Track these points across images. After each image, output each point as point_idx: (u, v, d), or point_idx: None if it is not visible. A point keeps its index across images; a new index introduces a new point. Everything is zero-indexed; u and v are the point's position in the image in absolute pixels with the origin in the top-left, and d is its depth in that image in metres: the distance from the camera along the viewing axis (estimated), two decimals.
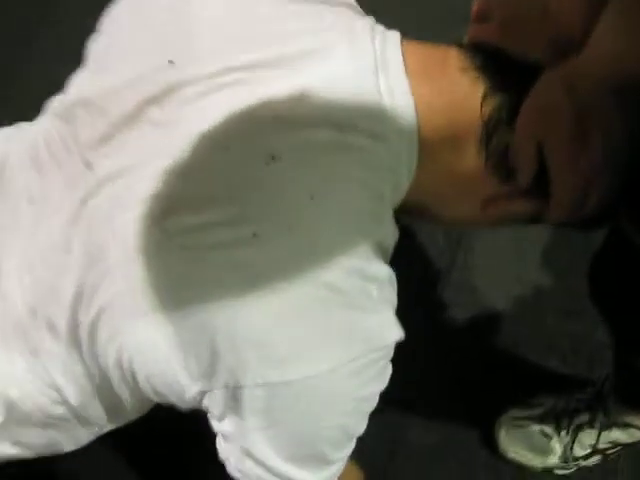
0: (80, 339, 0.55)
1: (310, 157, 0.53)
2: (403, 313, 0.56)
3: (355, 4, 0.66)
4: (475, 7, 0.62)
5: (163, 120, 0.55)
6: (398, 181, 0.58)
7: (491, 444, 1.13)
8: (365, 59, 0.56)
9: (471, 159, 0.59)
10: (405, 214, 0.62)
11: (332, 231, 0.52)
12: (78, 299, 0.54)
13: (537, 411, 1.12)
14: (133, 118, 0.55)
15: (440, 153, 0.59)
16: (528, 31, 0.59)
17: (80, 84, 0.62)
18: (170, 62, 0.56)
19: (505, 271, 1.29)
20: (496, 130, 0.58)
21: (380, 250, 0.55)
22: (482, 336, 1.24)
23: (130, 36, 0.60)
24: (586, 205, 0.56)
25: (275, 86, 0.54)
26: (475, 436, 1.16)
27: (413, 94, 0.56)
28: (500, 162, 0.58)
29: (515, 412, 1.13)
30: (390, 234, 0.58)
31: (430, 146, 0.57)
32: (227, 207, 0.51)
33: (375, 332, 0.53)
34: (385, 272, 0.55)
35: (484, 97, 0.57)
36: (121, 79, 0.57)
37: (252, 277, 0.50)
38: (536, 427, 1.10)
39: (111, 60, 0.61)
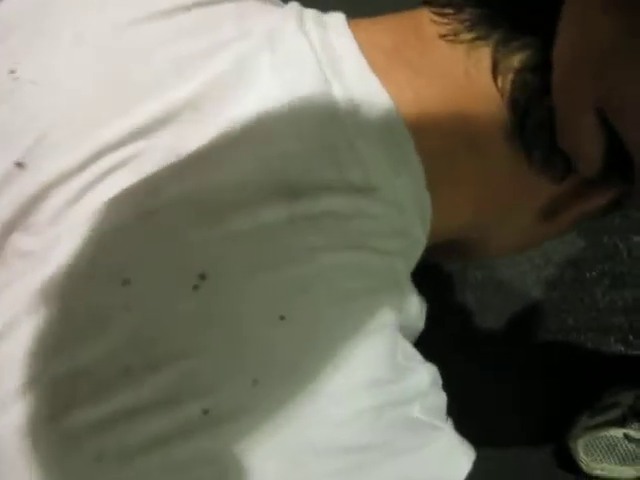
0: None
1: (259, 258, 0.35)
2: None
3: None
4: None
5: (36, 249, 0.36)
6: (409, 241, 0.40)
7: (568, 465, 0.95)
8: (304, 68, 0.38)
9: (504, 162, 0.41)
10: (433, 258, 0.46)
11: (327, 367, 0.34)
12: None
13: (614, 413, 0.94)
14: None
15: (456, 169, 0.41)
16: None
17: None
18: (18, 165, 0.38)
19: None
20: (529, 108, 0.39)
21: (405, 349, 0.38)
22: (519, 339, 1.06)
23: None
24: None
25: (173, 158, 0.36)
26: (547, 458, 0.97)
27: (394, 97, 0.38)
28: (548, 153, 0.40)
29: (587, 420, 0.95)
30: (413, 313, 0.41)
31: (438, 165, 0.40)
32: (147, 377, 0.33)
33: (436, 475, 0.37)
34: (422, 378, 0.38)
35: (494, 64, 0.39)
36: None
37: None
38: (618, 432, 0.93)
39: None
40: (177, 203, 0.35)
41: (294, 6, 0.43)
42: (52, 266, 0.34)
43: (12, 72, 0.40)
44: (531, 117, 0.39)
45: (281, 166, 0.36)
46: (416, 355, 0.39)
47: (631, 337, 1.02)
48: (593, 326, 1.04)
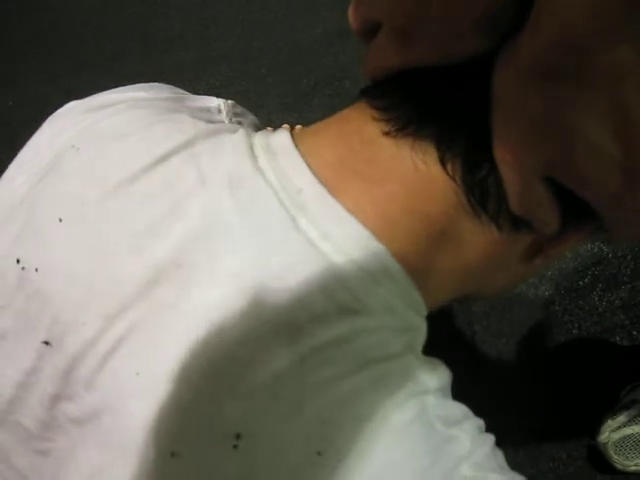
0: None
1: (283, 406, 0.36)
2: None
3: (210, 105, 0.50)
4: (355, 18, 0.42)
5: (81, 416, 0.40)
6: (411, 333, 0.41)
7: (603, 465, 0.98)
8: (269, 210, 0.40)
9: (475, 237, 0.41)
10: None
11: None
12: None
13: (635, 410, 0.97)
14: (51, 424, 0.41)
15: (434, 259, 0.42)
16: (443, 23, 0.37)
17: None
18: (46, 343, 0.41)
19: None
20: (484, 187, 0.39)
21: (444, 414, 0.39)
22: (532, 356, 1.09)
23: None
24: None
25: (186, 313, 0.38)
26: (583, 464, 1.00)
27: (353, 213, 0.39)
28: (514, 219, 0.40)
29: (611, 422, 0.98)
30: (437, 383, 0.41)
31: (416, 261, 0.41)
32: None
33: None
34: (463, 443, 0.38)
35: (441, 154, 0.39)
36: (10, 385, 0.43)
37: None
38: None
39: None
40: (191, 369, 0.36)
41: (243, 139, 0.43)
42: (105, 431, 0.37)
43: (18, 261, 0.43)
44: (489, 194, 0.39)
45: (275, 310, 0.37)
46: (456, 414, 0.40)
47: (635, 332, 1.06)
48: (597, 329, 1.07)
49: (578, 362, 1.06)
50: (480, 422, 0.40)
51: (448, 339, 1.07)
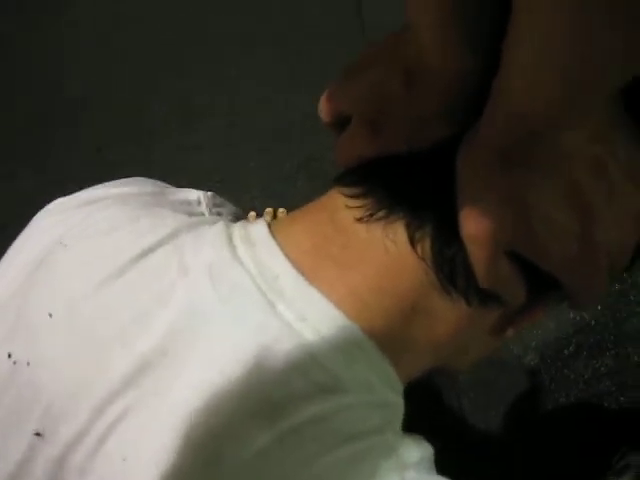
0: None
1: None
2: None
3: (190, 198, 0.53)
4: (326, 111, 0.46)
5: None
6: (388, 408, 0.43)
7: None
8: (248, 298, 0.42)
9: (446, 312, 0.43)
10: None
11: None
12: None
13: (627, 477, 0.96)
14: None
15: (407, 334, 0.44)
16: (407, 114, 0.42)
17: None
18: (37, 435, 0.42)
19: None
20: (452, 266, 0.41)
21: None
22: (521, 427, 1.09)
23: None
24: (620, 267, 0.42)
25: (173, 397, 0.40)
26: None
27: (331, 299, 0.41)
28: (482, 294, 0.42)
29: None
30: (418, 456, 0.42)
31: (388, 338, 0.42)
32: None
33: None
34: None
35: (410, 237, 0.41)
36: (2, 478, 0.43)
37: None
38: None
39: None
40: (176, 452, 0.38)
41: (222, 230, 0.46)
42: None
43: (10, 356, 0.44)
44: (457, 271, 0.41)
45: (254, 391, 0.38)
46: None
47: (622, 398, 1.07)
48: (585, 397, 1.08)
49: (568, 431, 1.07)
50: None
51: (436, 412, 1.07)
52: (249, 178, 1.44)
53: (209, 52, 1.66)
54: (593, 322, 1.12)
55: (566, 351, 1.10)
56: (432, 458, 0.43)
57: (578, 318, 1.12)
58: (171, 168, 1.46)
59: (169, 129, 1.57)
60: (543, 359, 1.11)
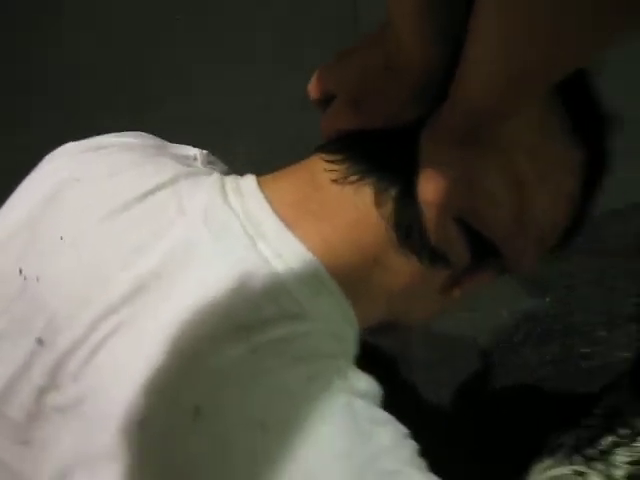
0: None
1: (237, 385, 0.44)
2: None
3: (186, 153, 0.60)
4: (315, 90, 0.54)
5: (67, 403, 0.46)
6: (344, 341, 0.50)
7: None
8: (235, 235, 0.48)
9: (402, 266, 0.51)
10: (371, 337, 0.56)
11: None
12: None
13: (561, 453, 1.03)
14: (37, 415, 0.47)
15: (366, 281, 0.52)
16: (389, 91, 0.49)
17: None
18: (39, 341, 0.48)
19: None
20: (408, 226, 0.49)
21: (370, 415, 0.46)
22: (467, 405, 1.17)
23: None
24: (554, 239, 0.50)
25: (162, 314, 0.46)
26: None
27: (305, 244, 0.49)
28: (432, 253, 0.51)
29: (539, 464, 1.04)
30: (365, 387, 0.48)
31: (350, 281, 0.50)
32: None
33: None
34: (383, 438, 0.45)
35: (376, 198, 0.50)
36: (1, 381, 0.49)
37: None
38: (566, 469, 1.02)
39: None
40: (163, 359, 0.43)
41: (216, 180, 0.53)
42: (85, 414, 0.44)
43: (20, 271, 0.50)
44: (412, 232, 0.49)
45: (234, 312, 0.45)
46: (380, 417, 0.46)
47: (562, 384, 1.14)
48: (529, 381, 1.16)
49: (512, 410, 1.14)
50: (405, 430, 0.47)
51: (391, 386, 1.14)
52: (239, 155, 1.47)
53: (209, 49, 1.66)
54: (543, 313, 1.20)
55: (515, 338, 1.18)
56: (379, 396, 0.49)
57: (529, 308, 1.20)
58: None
59: (169, 129, 1.58)
60: (497, 343, 1.19)
